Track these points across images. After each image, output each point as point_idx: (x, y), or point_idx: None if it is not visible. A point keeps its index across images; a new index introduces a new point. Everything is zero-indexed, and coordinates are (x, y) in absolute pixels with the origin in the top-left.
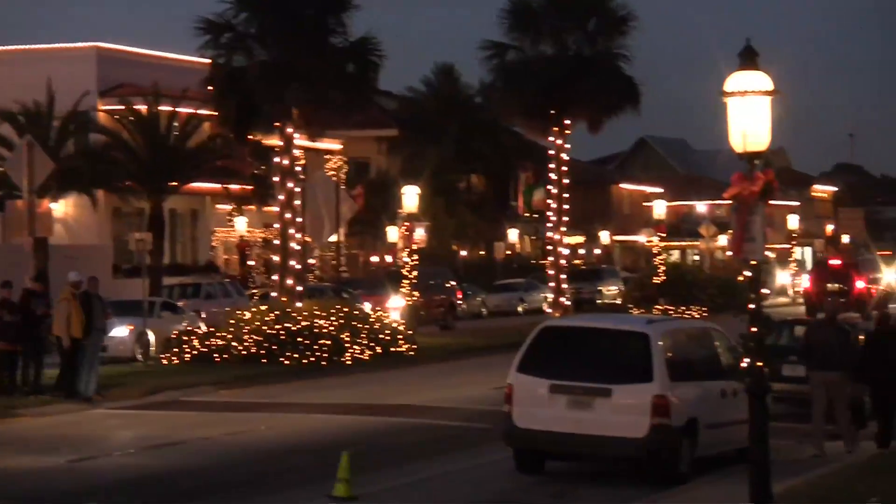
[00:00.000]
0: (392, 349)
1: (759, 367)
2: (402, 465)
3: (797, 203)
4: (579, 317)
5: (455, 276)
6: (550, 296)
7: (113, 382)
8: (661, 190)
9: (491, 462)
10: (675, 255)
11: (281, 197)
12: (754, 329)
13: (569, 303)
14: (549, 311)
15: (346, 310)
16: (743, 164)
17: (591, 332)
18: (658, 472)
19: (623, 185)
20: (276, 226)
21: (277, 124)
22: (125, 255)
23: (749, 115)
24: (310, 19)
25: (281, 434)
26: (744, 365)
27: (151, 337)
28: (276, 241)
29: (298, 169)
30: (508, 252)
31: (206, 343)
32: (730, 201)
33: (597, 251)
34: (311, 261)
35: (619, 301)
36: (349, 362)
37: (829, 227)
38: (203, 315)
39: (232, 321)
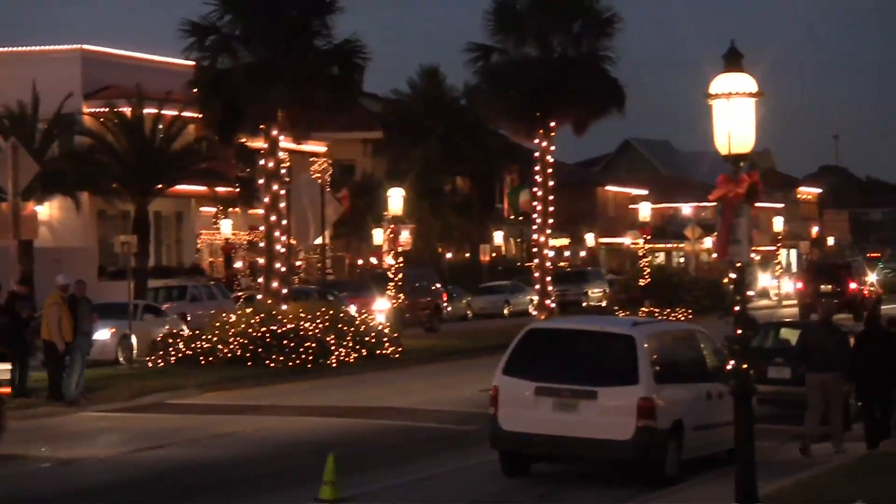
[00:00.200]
0: (377, 351)
1: (745, 369)
2: (388, 467)
3: (782, 205)
4: (565, 319)
5: (440, 278)
6: (536, 298)
7: (99, 385)
8: (647, 192)
9: (477, 464)
10: (661, 258)
11: (266, 199)
12: (740, 331)
13: (554, 305)
14: (535, 313)
15: (331, 312)
16: (728, 165)
17: (577, 334)
18: (644, 474)
19: (608, 188)
20: (262, 228)
21: (262, 126)
22: (110, 258)
23: (734, 117)
24: (294, 21)
25: (266, 437)
26: (729, 367)
27: (133, 340)
28: (262, 244)
29: (283, 171)
30: (494, 254)
31: (192, 346)
32: (715, 203)
33: (582, 253)
34: (296, 263)
35: (604, 303)
36: (334, 365)
37: (815, 229)
38: (188, 318)
39: (217, 324)
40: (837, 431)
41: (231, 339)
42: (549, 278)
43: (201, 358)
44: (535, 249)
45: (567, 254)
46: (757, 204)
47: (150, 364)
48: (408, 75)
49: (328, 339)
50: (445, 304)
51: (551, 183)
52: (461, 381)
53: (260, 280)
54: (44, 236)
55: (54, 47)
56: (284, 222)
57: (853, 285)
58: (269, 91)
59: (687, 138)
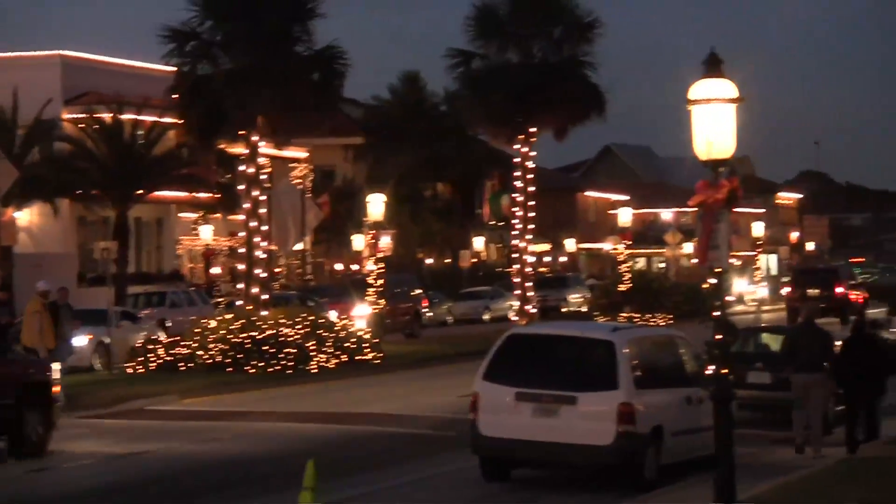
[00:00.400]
0: (358, 357)
1: (724, 374)
2: (368, 473)
3: (762, 210)
4: (545, 324)
5: (421, 283)
6: (516, 303)
7: (78, 391)
8: (627, 197)
9: (457, 470)
10: (641, 263)
11: (246, 205)
12: (719, 336)
13: (534, 310)
14: (515, 318)
15: (311, 318)
16: (708, 171)
17: (557, 339)
18: (624, 478)
19: (588, 193)
20: (242, 234)
21: (243, 132)
22: (90, 264)
23: (714, 122)
24: (275, 27)
25: (247, 442)
26: (709, 372)
27: (111, 347)
28: (242, 250)
29: (264, 177)
30: (474, 260)
31: (171, 352)
32: (695, 209)
33: (562, 259)
34: (276, 269)
35: (584, 309)
36: (315, 370)
37: (794, 235)
38: (168, 324)
39: (197, 330)
40: (817, 435)
41: (211, 346)
42: (529, 284)
43: (181, 364)
44: (515, 255)
45: (547, 259)
46: (737, 209)
47: (129, 370)
48: (389, 81)
49: (308, 344)
50: (426, 310)
51: (532, 188)
52: (441, 386)
53: (240, 286)
54: (23, 242)
55: (34, 53)
56: (265, 228)
57: (840, 289)
58: (249, 97)
59: (668, 144)
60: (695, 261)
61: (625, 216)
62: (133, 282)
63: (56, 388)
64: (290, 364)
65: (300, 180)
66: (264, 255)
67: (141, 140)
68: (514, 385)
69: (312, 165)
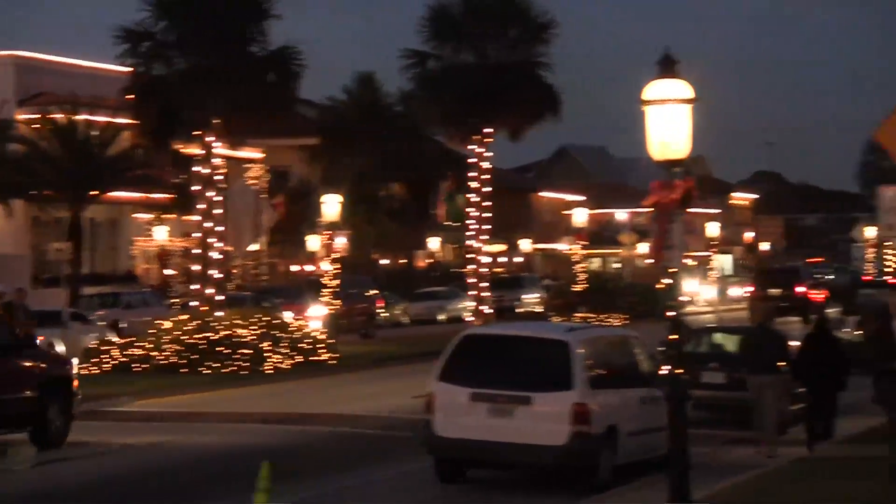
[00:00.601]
0: (313, 358)
1: (678, 374)
2: (324, 474)
3: (717, 211)
4: (500, 325)
5: (376, 284)
6: (472, 304)
7: None
8: (582, 198)
9: (412, 471)
10: (596, 263)
11: (201, 206)
12: (673, 336)
13: (490, 311)
14: (471, 319)
15: (266, 319)
16: (662, 171)
17: (512, 340)
18: (579, 479)
19: (544, 194)
20: (197, 235)
21: (198, 133)
22: (44, 265)
23: (668, 123)
24: (230, 28)
25: (201, 444)
26: (663, 372)
27: (61, 348)
28: (197, 251)
29: (219, 178)
30: (429, 260)
31: (126, 353)
32: (650, 209)
33: (518, 259)
34: (231, 270)
35: (540, 309)
36: (270, 371)
37: (749, 235)
38: (123, 325)
39: (152, 331)
40: (772, 435)
41: (166, 346)
42: (484, 284)
43: (136, 365)
44: (470, 255)
45: (503, 259)
46: (691, 209)
47: (84, 372)
48: (344, 82)
49: (263, 345)
50: (381, 311)
51: (487, 189)
52: (397, 387)
53: (195, 287)
54: None
55: None
56: (220, 229)
57: (800, 289)
58: (204, 97)
59: (623, 144)
60: (650, 261)
61: (580, 217)
62: (88, 283)
63: (75, 383)
64: (244, 365)
65: (255, 181)
66: (219, 256)
67: (95, 141)
68: (469, 385)
69: (267, 166)
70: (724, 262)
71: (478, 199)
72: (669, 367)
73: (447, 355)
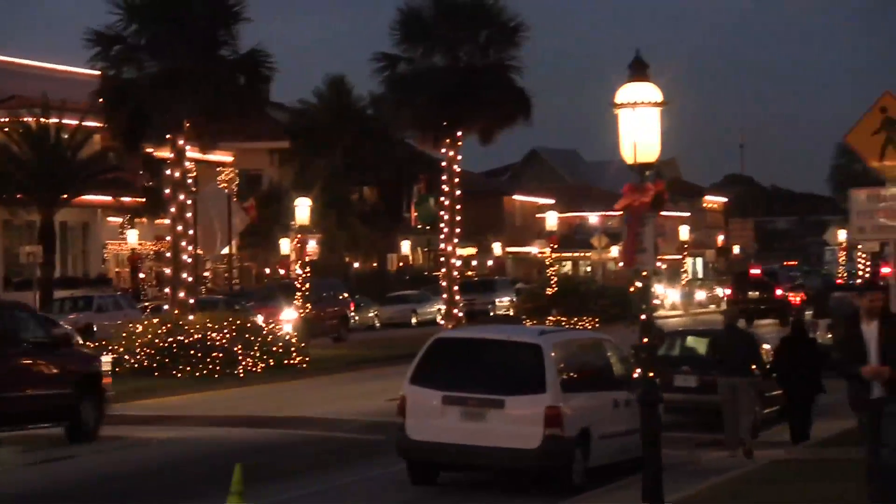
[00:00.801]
0: (285, 361)
1: (651, 377)
2: (296, 477)
3: (688, 214)
4: (472, 328)
5: (347, 287)
6: (443, 307)
7: None
8: (553, 201)
9: (384, 474)
10: (568, 267)
11: (172, 209)
12: (646, 339)
13: (462, 314)
14: (442, 322)
15: (238, 322)
16: (634, 174)
17: (484, 343)
18: (551, 482)
19: (515, 197)
20: (168, 238)
21: (168, 136)
22: (15, 268)
23: (639, 126)
24: (200, 31)
25: (173, 447)
26: (636, 375)
27: None
28: (168, 254)
29: (190, 181)
30: (401, 264)
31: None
32: (621, 212)
33: (489, 262)
34: (203, 273)
35: (511, 312)
36: (242, 375)
37: (720, 238)
38: (94, 328)
39: (124, 334)
40: (746, 436)
41: (138, 350)
42: (456, 287)
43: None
44: (442, 259)
45: (474, 263)
46: (663, 213)
47: None
48: (315, 85)
49: (235, 348)
50: (353, 314)
51: (458, 192)
52: (369, 390)
53: (167, 290)
54: None
55: None
56: (191, 232)
57: (779, 291)
58: (174, 101)
59: (594, 148)
60: (621, 264)
61: (551, 220)
62: (59, 286)
63: (107, 380)
64: (216, 368)
65: (226, 184)
66: (191, 260)
67: (67, 144)
68: (441, 389)
69: (238, 169)
70: (695, 265)
71: (449, 202)
72: (642, 370)
73: (419, 359)
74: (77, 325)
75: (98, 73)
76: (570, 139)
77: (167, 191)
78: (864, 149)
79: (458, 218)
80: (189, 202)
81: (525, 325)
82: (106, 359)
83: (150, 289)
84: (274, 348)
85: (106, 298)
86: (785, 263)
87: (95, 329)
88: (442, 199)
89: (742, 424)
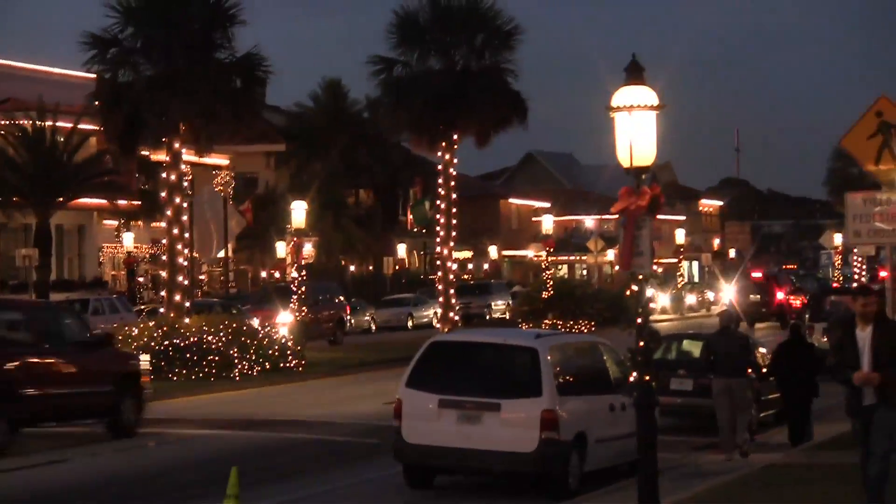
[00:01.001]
0: (281, 364)
1: (647, 380)
2: (292, 480)
3: (684, 217)
4: (468, 331)
5: (343, 291)
6: (439, 310)
7: None
8: (549, 204)
9: (380, 477)
10: (564, 270)
11: (168, 212)
12: (642, 343)
13: (457, 318)
14: (438, 325)
15: (234, 325)
16: (630, 178)
17: (480, 346)
18: (547, 486)
19: (511, 200)
20: (164, 241)
21: (164, 139)
22: (11, 271)
23: (636, 129)
24: (196, 34)
25: (169, 450)
26: (632, 379)
27: None
28: (164, 257)
29: (186, 184)
30: (397, 267)
31: None
32: (617, 216)
33: (485, 266)
34: (199, 276)
35: (507, 316)
36: (237, 378)
37: (716, 241)
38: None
39: (120, 337)
40: (742, 438)
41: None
42: (452, 291)
43: None
44: (438, 262)
45: (470, 266)
46: (659, 216)
47: None
48: (311, 88)
49: (231, 352)
50: (349, 317)
51: (454, 195)
52: (365, 393)
53: (162, 293)
54: None
55: None
56: (187, 235)
57: (780, 295)
58: (170, 104)
59: (590, 151)
60: (618, 268)
61: (547, 223)
62: (55, 289)
63: (146, 378)
64: (212, 371)
65: (222, 187)
66: (187, 263)
67: (62, 147)
68: (437, 392)
69: (234, 172)
70: (692, 268)
71: (445, 205)
72: (638, 373)
73: (415, 362)
74: None
75: (94, 75)
76: (565, 142)
77: (163, 194)
78: (860, 152)
79: (454, 221)
80: (185, 205)
81: (521, 328)
82: (144, 358)
83: (145, 292)
84: (270, 352)
85: (102, 301)
86: (784, 267)
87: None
88: (438, 202)
89: (739, 424)
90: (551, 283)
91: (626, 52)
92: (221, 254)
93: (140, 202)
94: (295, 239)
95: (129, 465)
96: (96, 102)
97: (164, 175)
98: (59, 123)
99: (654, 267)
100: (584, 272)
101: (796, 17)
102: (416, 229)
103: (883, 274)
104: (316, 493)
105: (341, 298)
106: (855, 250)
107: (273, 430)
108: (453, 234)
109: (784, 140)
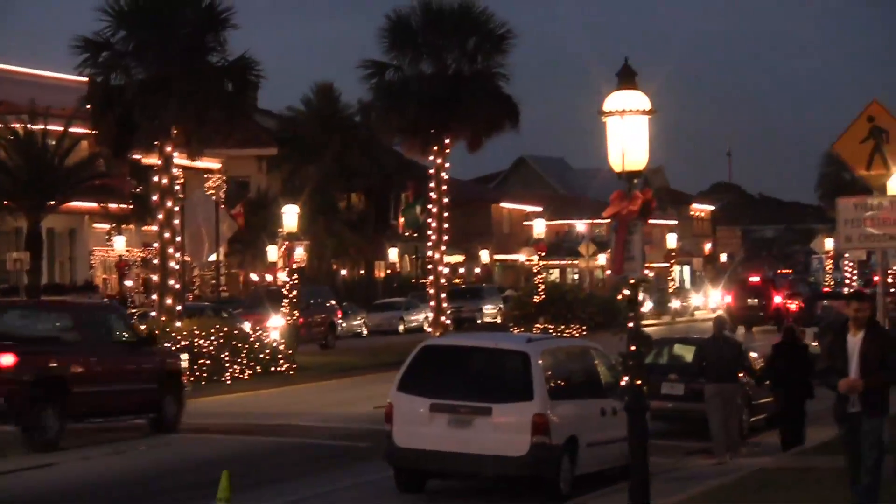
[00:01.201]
0: (272, 368)
1: (638, 384)
2: (283, 484)
3: (676, 222)
4: (459, 335)
5: (335, 294)
6: (431, 314)
7: None
8: (541, 209)
9: (372, 481)
10: (555, 274)
11: (160, 216)
12: (633, 347)
13: (449, 322)
14: (430, 329)
15: (225, 329)
16: (622, 182)
17: (471, 350)
18: (538, 489)
19: (503, 204)
20: (156, 245)
21: (156, 143)
22: (2, 275)
23: (627, 134)
24: (188, 38)
25: (160, 454)
26: (623, 383)
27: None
28: (156, 261)
29: (177, 188)
30: (388, 271)
31: None
32: (609, 220)
33: (477, 270)
34: (190, 280)
35: (499, 320)
36: (229, 382)
37: (708, 246)
38: None
39: None
40: (734, 442)
41: None
42: (443, 295)
43: None
44: (429, 266)
45: (462, 270)
46: (650, 220)
47: None
48: (303, 92)
49: (222, 355)
50: (340, 321)
51: (446, 199)
52: (356, 397)
53: (154, 297)
54: None
55: None
56: (178, 239)
57: (777, 299)
58: (162, 107)
59: (582, 155)
60: (609, 272)
61: (539, 227)
62: (46, 293)
63: (185, 376)
64: (203, 375)
65: (214, 191)
66: (178, 266)
67: (54, 150)
68: (428, 396)
69: (226, 176)
70: (683, 273)
71: (436, 209)
72: (629, 378)
73: (406, 366)
74: None
75: (86, 79)
76: (558, 147)
77: (154, 197)
78: (852, 157)
79: (446, 225)
80: (177, 209)
81: (512, 332)
82: (184, 356)
83: (137, 295)
84: (261, 355)
85: None
86: (780, 271)
87: None
88: (430, 206)
89: (731, 429)
90: (543, 287)
91: (619, 57)
92: (213, 257)
93: (131, 206)
94: (286, 243)
95: (120, 469)
96: (88, 106)
97: (155, 179)
98: (50, 127)
99: (646, 271)
100: (576, 276)
101: (788, 21)
102: (407, 233)
103: (876, 279)
104: (306, 496)
105: (333, 302)
106: (846, 255)
107: (263, 435)
108: (445, 237)
109: (776, 145)
